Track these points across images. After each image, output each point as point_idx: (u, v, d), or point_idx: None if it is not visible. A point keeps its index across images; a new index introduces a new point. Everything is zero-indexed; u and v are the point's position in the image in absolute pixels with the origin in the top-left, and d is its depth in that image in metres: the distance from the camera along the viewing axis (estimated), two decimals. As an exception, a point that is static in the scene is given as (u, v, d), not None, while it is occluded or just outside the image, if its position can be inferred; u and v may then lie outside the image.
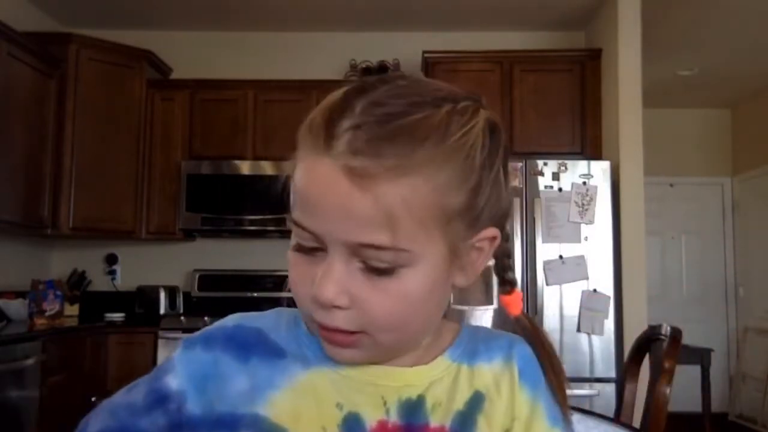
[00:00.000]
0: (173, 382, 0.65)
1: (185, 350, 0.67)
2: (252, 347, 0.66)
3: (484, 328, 0.72)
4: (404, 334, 0.62)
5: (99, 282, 4.45)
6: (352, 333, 0.59)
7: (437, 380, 0.65)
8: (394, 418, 0.63)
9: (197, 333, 0.68)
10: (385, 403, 0.63)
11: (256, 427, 0.62)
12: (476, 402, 0.65)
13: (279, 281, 4.23)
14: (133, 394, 0.68)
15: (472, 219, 0.60)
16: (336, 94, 0.62)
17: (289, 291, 0.66)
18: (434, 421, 0.63)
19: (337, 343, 0.61)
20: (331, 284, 0.57)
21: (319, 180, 0.57)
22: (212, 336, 0.67)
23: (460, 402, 0.65)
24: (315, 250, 0.59)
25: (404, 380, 0.64)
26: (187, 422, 0.64)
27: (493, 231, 0.63)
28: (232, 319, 0.69)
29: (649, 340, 1.93)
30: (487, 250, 0.64)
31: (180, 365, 0.66)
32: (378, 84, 0.60)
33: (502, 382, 0.67)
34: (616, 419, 1.41)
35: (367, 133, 0.56)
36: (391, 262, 0.57)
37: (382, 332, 0.60)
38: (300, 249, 0.60)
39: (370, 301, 0.58)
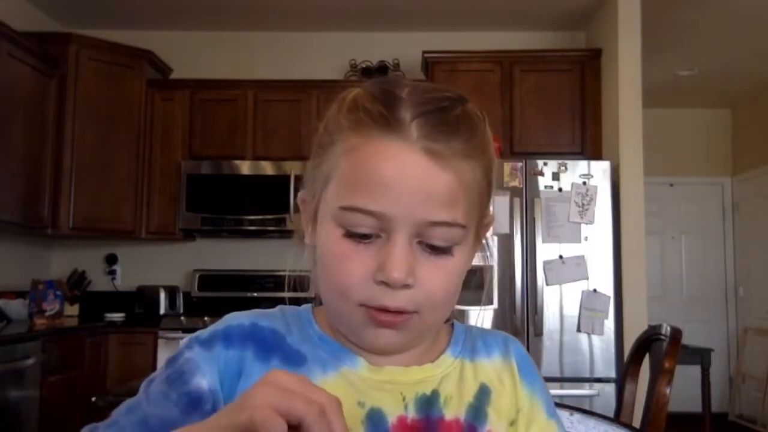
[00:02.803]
0: (203, 382, 0.64)
1: (204, 349, 0.65)
2: (272, 349, 0.66)
3: (475, 326, 0.76)
4: (447, 312, 0.66)
5: (99, 282, 4.45)
6: (406, 313, 0.62)
7: (446, 375, 0.68)
8: (412, 413, 0.65)
9: (207, 332, 0.67)
10: (404, 399, 0.65)
11: None
12: (484, 394, 0.69)
13: (279, 281, 4.23)
14: (159, 402, 0.64)
15: (486, 202, 0.68)
16: (362, 89, 0.65)
17: (295, 291, 0.69)
18: (449, 415, 0.66)
19: (389, 324, 0.62)
20: (403, 264, 0.60)
21: (396, 162, 0.60)
22: (231, 333, 0.66)
23: (469, 395, 0.68)
24: (366, 236, 0.61)
25: (418, 377, 0.67)
26: None
27: (491, 216, 0.70)
28: (243, 317, 0.69)
29: (649, 340, 1.93)
30: (484, 232, 0.70)
31: (205, 364, 0.64)
32: (395, 80, 0.65)
33: (504, 375, 0.71)
34: (616, 419, 1.41)
35: (431, 121, 0.61)
36: (452, 240, 0.62)
37: (433, 310, 0.64)
38: (350, 236, 0.62)
39: (430, 279, 0.62)
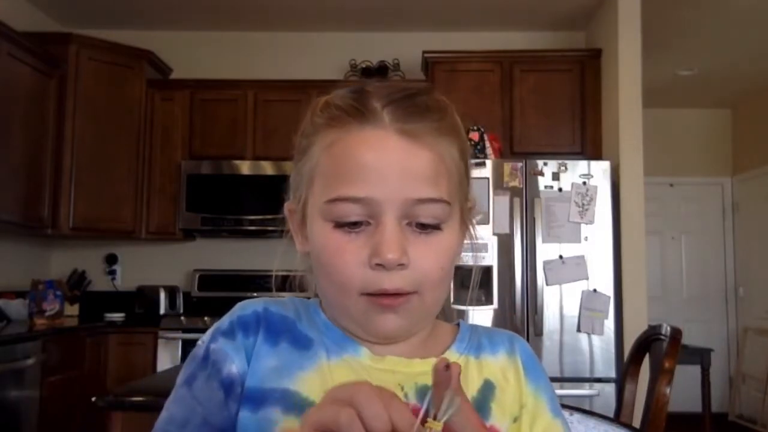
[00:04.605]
0: (233, 367, 0.66)
1: (229, 339, 0.68)
2: (281, 333, 0.68)
3: (481, 326, 0.77)
4: (443, 293, 0.68)
5: (99, 282, 4.45)
6: (406, 294, 0.63)
7: None
8: (413, 401, 0.65)
9: (225, 323, 0.69)
10: (402, 388, 0.66)
11: (286, 401, 0.64)
12: (488, 389, 0.69)
13: (277, 282, 4.23)
14: (208, 397, 0.66)
15: (467, 185, 0.70)
16: (331, 94, 0.69)
17: (302, 291, 0.72)
18: None
19: (390, 306, 0.63)
20: (396, 244, 0.61)
21: (375, 146, 0.63)
22: (247, 322, 0.69)
23: (473, 389, 0.68)
24: (355, 224, 0.63)
25: (419, 369, 0.67)
26: (246, 396, 0.66)
27: (473, 200, 0.71)
28: (257, 303, 0.71)
29: (649, 340, 1.93)
30: (469, 216, 0.72)
31: (233, 352, 0.67)
32: (362, 81, 0.70)
33: (509, 373, 0.71)
34: (616, 419, 1.41)
35: (401, 106, 0.64)
36: (439, 217, 0.64)
37: (431, 289, 0.65)
38: (340, 227, 0.63)
39: (423, 258, 0.63)
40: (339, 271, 0.63)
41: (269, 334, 0.68)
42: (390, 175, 0.62)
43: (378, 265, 0.62)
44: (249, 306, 0.71)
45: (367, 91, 0.66)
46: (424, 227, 0.64)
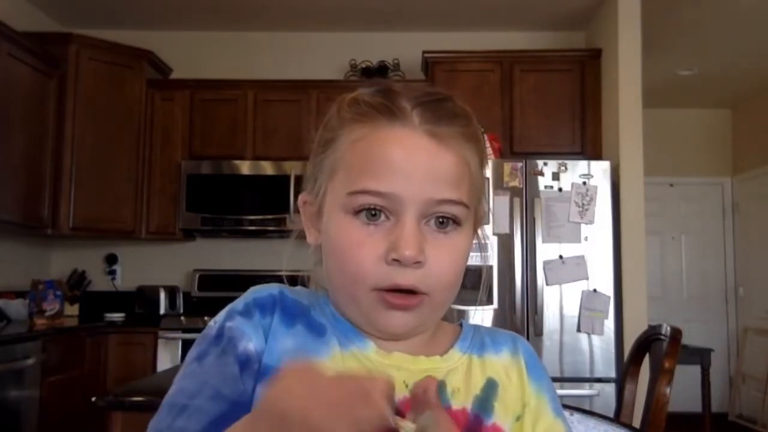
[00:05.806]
0: (250, 345, 0.66)
1: (245, 318, 0.68)
2: (297, 316, 0.69)
3: (483, 326, 0.77)
4: (453, 295, 0.69)
5: (99, 282, 4.45)
6: (417, 295, 0.64)
7: (453, 369, 0.70)
8: None
9: (240, 303, 0.70)
10: (407, 386, 0.66)
11: None
12: (491, 388, 0.70)
13: (279, 281, 4.22)
14: (220, 372, 0.65)
15: (482, 193, 0.71)
16: (358, 90, 0.69)
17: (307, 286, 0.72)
18: (455, 405, 0.67)
19: (401, 306, 0.64)
20: (414, 241, 0.63)
21: (403, 145, 0.64)
22: (264, 303, 0.69)
23: (476, 388, 0.69)
24: (375, 216, 0.64)
25: (425, 366, 0.68)
26: (262, 373, 0.66)
27: (485, 209, 0.72)
28: (272, 287, 0.71)
29: (649, 340, 1.93)
30: (479, 224, 0.73)
31: (250, 330, 0.67)
32: (388, 81, 0.70)
33: (511, 371, 0.72)
34: (616, 419, 1.41)
35: (430, 110, 0.65)
36: (458, 219, 0.66)
37: (442, 291, 0.66)
38: (358, 214, 0.64)
39: (439, 259, 0.64)
40: (354, 263, 0.64)
41: (285, 316, 0.69)
42: (416, 174, 0.63)
43: (395, 260, 0.62)
44: (264, 289, 0.71)
45: (396, 90, 0.67)
46: (442, 224, 0.65)
